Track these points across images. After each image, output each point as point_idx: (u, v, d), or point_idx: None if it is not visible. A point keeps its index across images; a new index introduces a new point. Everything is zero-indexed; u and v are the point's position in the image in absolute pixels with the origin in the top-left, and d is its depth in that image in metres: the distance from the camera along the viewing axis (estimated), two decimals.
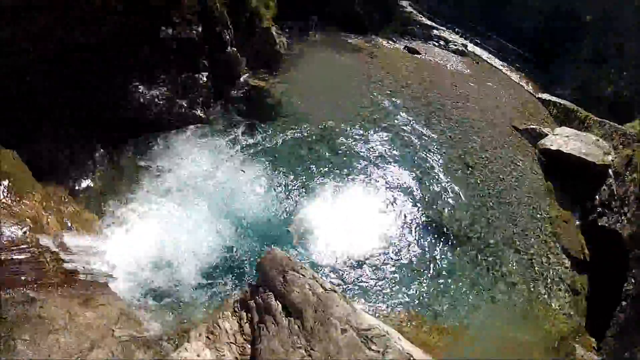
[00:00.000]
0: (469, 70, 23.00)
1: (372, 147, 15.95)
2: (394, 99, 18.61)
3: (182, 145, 13.78)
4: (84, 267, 8.96)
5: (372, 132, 16.62)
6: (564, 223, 14.77)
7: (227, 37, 15.63)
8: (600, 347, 10.48)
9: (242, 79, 16.69)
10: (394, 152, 15.90)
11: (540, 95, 21.59)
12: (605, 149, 15.80)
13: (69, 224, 9.63)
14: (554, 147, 16.79)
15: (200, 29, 14.32)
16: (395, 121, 17.37)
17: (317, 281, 8.52)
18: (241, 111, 15.78)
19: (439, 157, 16.12)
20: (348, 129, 16.31)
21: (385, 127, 16.96)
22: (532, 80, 23.12)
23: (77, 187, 11.08)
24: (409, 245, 12.77)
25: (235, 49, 16.06)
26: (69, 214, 9.83)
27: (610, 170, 14.87)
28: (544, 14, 24.03)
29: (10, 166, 9.05)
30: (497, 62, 24.53)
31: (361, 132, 16.54)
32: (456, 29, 26.41)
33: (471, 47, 25.41)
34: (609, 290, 11.48)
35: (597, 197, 14.71)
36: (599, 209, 14.27)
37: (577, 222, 14.89)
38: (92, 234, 9.77)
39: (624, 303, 10.52)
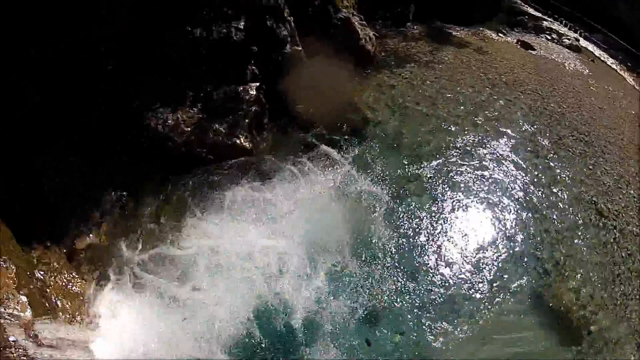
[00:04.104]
0: (587, 71, 19.39)
1: (484, 187, 12.28)
2: (511, 115, 14.77)
3: (215, 190, 10.03)
4: None
5: (486, 165, 12.80)
6: None
7: (285, 32, 11.83)
8: None
9: None
10: (513, 191, 12.20)
11: None
12: None
13: (53, 300, 7.35)
14: None
15: (242, 25, 10.66)
16: (516, 147, 13.58)
17: None
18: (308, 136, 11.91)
19: (566, 199, 12.02)
20: (454, 160, 12.59)
21: (504, 155, 13.26)
22: None
23: (75, 246, 8.51)
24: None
25: (298, 48, 12.04)
26: (56, 287, 7.57)
27: None
28: None
29: None
30: (610, 61, 21.84)
31: (468, 164, 12.74)
32: (564, 21, 23.55)
33: (583, 42, 22.39)
34: None
35: None
36: None
37: None
38: (78, 319, 7.46)
39: None
